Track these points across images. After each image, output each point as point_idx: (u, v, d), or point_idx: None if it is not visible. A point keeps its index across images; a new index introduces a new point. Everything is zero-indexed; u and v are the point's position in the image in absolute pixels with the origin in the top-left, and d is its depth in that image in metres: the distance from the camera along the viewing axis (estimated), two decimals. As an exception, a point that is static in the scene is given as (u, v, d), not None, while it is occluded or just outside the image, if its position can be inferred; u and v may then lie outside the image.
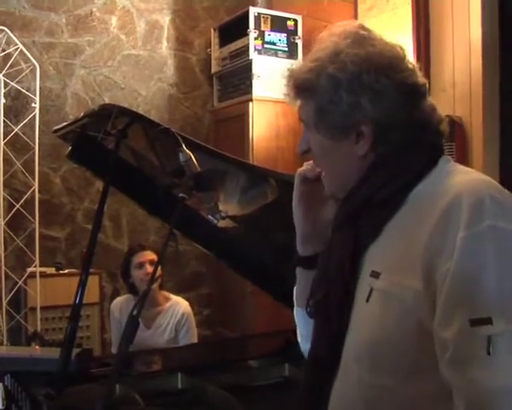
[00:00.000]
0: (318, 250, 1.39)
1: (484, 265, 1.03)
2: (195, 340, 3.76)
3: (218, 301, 4.94)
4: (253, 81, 4.43)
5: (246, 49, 4.50)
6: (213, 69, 4.94)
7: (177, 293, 4.02)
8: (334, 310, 1.25)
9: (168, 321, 3.68)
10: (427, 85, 1.27)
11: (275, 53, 4.53)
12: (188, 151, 1.95)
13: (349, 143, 1.25)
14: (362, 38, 1.25)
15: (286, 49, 4.57)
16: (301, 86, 1.28)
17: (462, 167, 1.23)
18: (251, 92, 4.44)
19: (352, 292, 1.22)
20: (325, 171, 1.32)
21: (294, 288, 1.50)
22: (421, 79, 1.26)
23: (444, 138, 1.28)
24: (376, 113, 1.21)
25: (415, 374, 1.11)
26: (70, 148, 2.49)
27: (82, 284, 2.21)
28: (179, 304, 3.74)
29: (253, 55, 4.46)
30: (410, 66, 1.26)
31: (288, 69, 1.32)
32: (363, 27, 1.29)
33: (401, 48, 1.28)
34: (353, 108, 1.21)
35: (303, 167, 1.41)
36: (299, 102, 1.32)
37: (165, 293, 3.81)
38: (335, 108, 1.23)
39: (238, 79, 4.63)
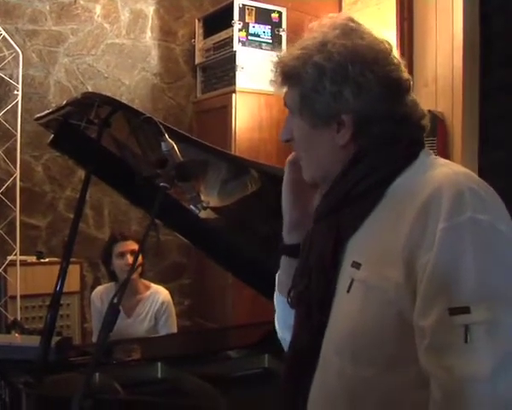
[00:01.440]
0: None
1: (463, 256, 1.05)
2: (175, 329, 3.75)
3: (199, 291, 4.93)
4: (237, 73, 4.42)
5: (230, 40, 4.49)
6: (197, 60, 4.92)
7: (159, 283, 4.01)
8: (315, 301, 1.26)
9: (148, 309, 3.67)
10: (411, 81, 1.29)
11: (259, 45, 4.53)
12: (170, 141, 1.94)
13: (330, 133, 1.26)
14: (350, 30, 1.26)
15: (270, 41, 4.56)
16: (288, 73, 1.29)
17: (442, 160, 1.24)
18: (234, 84, 4.44)
19: (334, 283, 1.23)
20: (307, 158, 1.33)
21: (277, 274, 1.50)
22: (405, 74, 1.28)
23: (425, 133, 1.30)
24: (358, 105, 1.22)
25: (395, 365, 1.12)
26: (52, 136, 2.48)
27: (62, 273, 2.21)
28: (159, 293, 3.74)
29: (237, 46, 4.45)
30: (396, 61, 1.27)
31: (277, 56, 1.34)
32: (352, 20, 1.30)
33: (388, 43, 1.29)
34: (336, 98, 1.22)
35: (293, 154, 1.41)
36: (285, 89, 1.33)
37: (146, 281, 3.80)
38: (318, 97, 1.24)
39: (222, 71, 4.62)
